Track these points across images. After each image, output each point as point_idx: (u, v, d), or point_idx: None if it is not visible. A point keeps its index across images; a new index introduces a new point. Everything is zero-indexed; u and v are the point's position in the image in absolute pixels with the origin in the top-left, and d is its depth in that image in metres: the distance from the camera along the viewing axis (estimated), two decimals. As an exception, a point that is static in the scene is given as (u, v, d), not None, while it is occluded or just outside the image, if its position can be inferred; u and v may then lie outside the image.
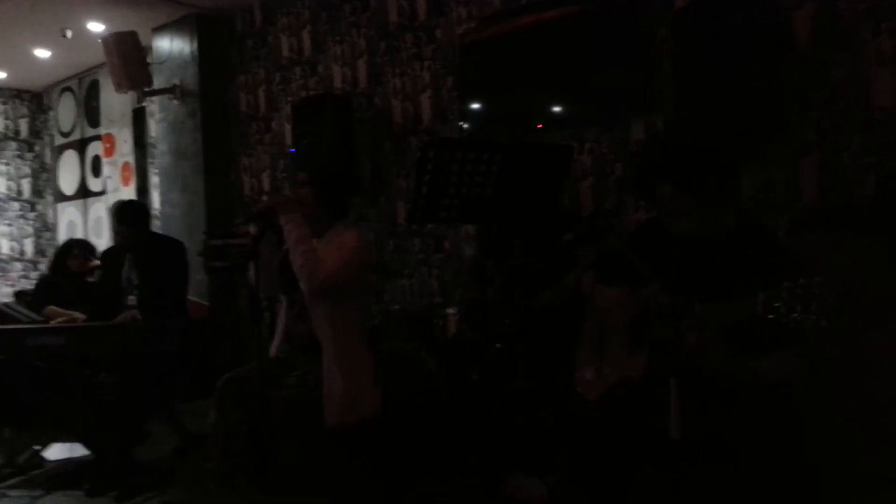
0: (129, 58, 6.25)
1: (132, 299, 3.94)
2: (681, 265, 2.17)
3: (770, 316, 1.76)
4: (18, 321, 4.22)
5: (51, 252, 8.31)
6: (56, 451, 3.94)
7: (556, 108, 4.37)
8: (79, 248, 4.98)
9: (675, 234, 2.26)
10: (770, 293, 1.76)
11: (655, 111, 3.94)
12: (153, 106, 7.20)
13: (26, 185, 8.93)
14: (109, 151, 7.95)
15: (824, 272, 1.69)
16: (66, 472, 3.71)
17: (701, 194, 2.17)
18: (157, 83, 6.74)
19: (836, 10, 3.38)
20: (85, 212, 8.37)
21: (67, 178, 8.62)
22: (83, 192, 8.40)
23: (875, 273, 2.43)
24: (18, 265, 8.82)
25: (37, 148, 9.04)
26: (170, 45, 6.73)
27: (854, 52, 3.34)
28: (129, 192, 7.56)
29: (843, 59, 3.37)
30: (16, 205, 8.82)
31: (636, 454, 2.11)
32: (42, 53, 7.33)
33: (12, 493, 3.52)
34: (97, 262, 4.94)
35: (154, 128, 7.28)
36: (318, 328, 2.96)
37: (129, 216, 4.06)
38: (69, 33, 6.61)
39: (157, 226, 7.09)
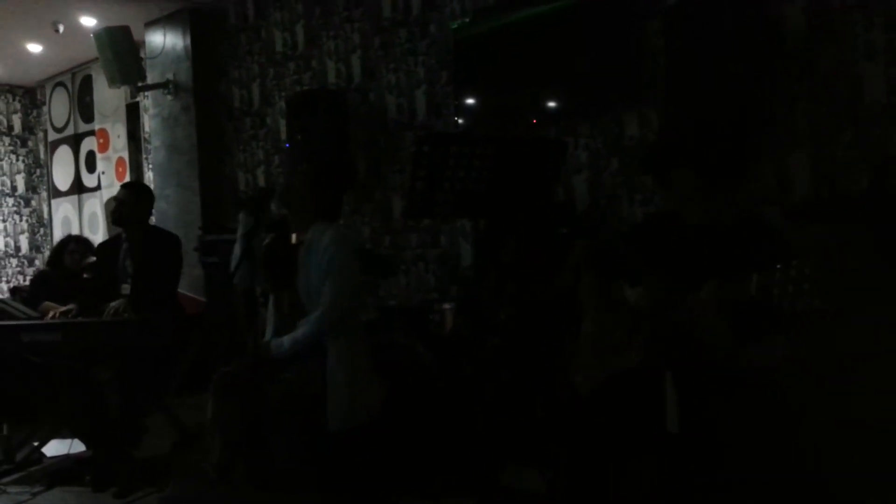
0: (122, 53, 6.22)
1: (126, 288, 3.93)
2: (686, 251, 2.20)
3: (764, 297, 1.79)
4: (14, 317, 4.22)
5: (46, 248, 8.32)
6: (55, 447, 3.94)
7: (551, 103, 4.38)
8: (76, 243, 4.97)
9: (684, 222, 2.30)
10: (763, 274, 1.78)
11: (649, 105, 3.97)
12: (147, 101, 7.19)
13: (20, 181, 8.91)
14: (103, 147, 7.93)
15: (815, 263, 1.72)
16: (66, 468, 3.72)
17: (717, 179, 2.22)
18: (151, 78, 6.74)
19: (827, 3, 3.40)
20: (80, 207, 8.35)
21: (61, 174, 8.60)
22: (78, 188, 8.38)
23: (863, 264, 2.47)
24: (14, 261, 8.81)
25: (30, 143, 9.02)
26: (163, 40, 6.71)
27: (845, 46, 3.36)
28: (123, 188, 7.55)
29: (834, 52, 3.38)
30: (10, 201, 8.81)
31: (632, 446, 2.14)
32: (34, 48, 7.30)
33: (12, 489, 3.52)
34: (93, 258, 4.94)
35: (148, 123, 7.26)
36: None
37: (131, 185, 4.24)
38: (61, 28, 6.58)
39: (151, 221, 7.08)
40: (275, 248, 3.15)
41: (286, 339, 2.95)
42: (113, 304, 3.82)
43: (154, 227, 4.13)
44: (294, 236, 3.13)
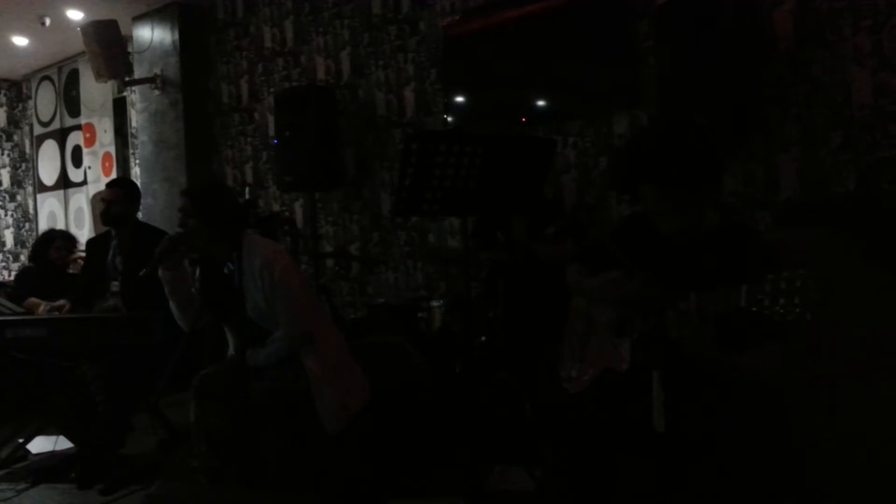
0: (109, 47, 6.18)
1: (115, 285, 3.91)
2: (664, 260, 2.19)
3: (753, 309, 1.78)
4: (-1, 312, 4.19)
5: (31, 243, 8.26)
6: (40, 444, 3.91)
7: (540, 102, 4.39)
8: (60, 238, 4.94)
9: (657, 231, 2.28)
10: (752, 285, 1.78)
11: (639, 105, 3.98)
12: (134, 96, 7.15)
13: (5, 176, 8.84)
14: (90, 141, 7.87)
15: (805, 267, 1.71)
16: (51, 465, 3.69)
17: (680, 194, 2.18)
18: (138, 73, 6.70)
19: (816, 8, 3.42)
20: (65, 202, 8.30)
21: (47, 169, 8.53)
22: (63, 183, 8.32)
23: (854, 267, 2.48)
24: (-2, 256, 8.77)
25: (16, 137, 8.95)
26: (151, 35, 6.68)
27: (834, 50, 3.38)
28: (110, 183, 7.50)
29: (822, 56, 3.41)
30: (-6, 195, 8.77)
31: (620, 446, 2.14)
32: (20, 41, 7.25)
33: (-4, 486, 3.51)
34: (79, 254, 4.90)
35: (135, 118, 7.23)
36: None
37: (122, 182, 4.16)
38: (48, 21, 6.54)
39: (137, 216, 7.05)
40: (209, 281, 3.07)
41: (261, 355, 2.94)
42: (105, 304, 3.79)
43: (142, 223, 4.10)
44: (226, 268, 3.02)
